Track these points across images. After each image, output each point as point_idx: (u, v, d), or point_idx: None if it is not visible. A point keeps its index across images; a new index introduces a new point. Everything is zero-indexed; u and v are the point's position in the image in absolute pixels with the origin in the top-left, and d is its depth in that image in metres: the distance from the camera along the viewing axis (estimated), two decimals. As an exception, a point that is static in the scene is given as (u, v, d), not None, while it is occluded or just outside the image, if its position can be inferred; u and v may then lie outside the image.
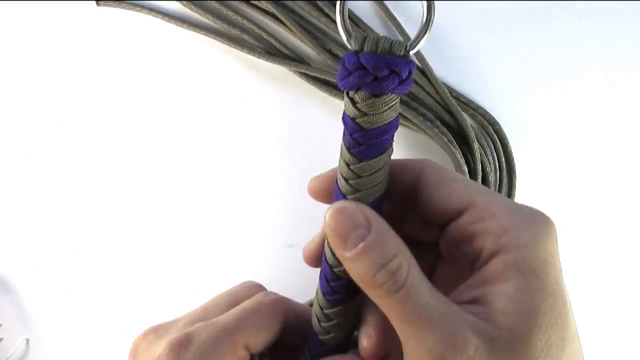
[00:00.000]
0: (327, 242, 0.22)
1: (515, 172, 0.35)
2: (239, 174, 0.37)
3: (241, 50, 0.35)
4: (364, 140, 0.20)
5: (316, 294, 0.23)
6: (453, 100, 0.34)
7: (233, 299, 0.25)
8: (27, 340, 0.36)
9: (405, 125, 0.35)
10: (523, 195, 0.36)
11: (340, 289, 0.22)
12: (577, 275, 0.36)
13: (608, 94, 0.35)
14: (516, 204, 0.22)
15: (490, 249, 0.20)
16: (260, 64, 0.35)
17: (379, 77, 0.20)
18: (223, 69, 0.36)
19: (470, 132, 0.34)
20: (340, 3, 0.21)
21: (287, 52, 0.35)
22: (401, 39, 0.35)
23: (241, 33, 0.35)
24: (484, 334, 0.18)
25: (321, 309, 0.23)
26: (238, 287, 0.26)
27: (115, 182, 0.37)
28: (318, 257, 0.24)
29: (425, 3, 0.21)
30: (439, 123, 0.34)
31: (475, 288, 0.20)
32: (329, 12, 0.34)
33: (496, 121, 0.35)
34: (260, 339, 0.23)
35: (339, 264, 0.21)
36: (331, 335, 0.23)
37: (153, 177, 0.37)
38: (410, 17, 0.35)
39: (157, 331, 0.24)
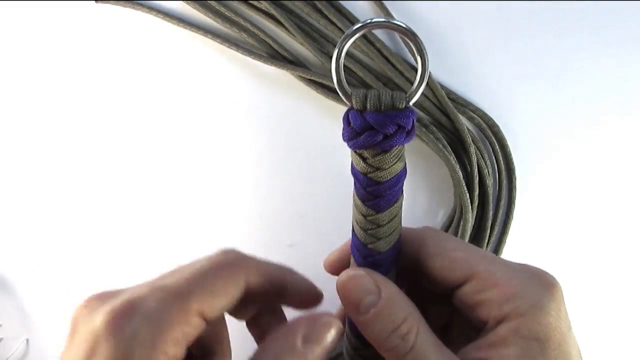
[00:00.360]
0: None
1: (515, 174, 0.35)
2: (238, 175, 0.37)
3: (239, 52, 0.35)
4: (379, 193, 0.21)
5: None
6: (450, 103, 0.34)
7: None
8: (27, 340, 0.36)
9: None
10: (523, 197, 0.35)
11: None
12: (575, 275, 0.36)
13: (608, 94, 0.34)
14: (518, 267, 0.22)
15: (495, 317, 0.21)
16: (258, 65, 0.35)
17: (388, 134, 0.20)
18: (221, 70, 0.36)
19: (467, 135, 0.34)
20: (336, 61, 0.21)
21: (285, 54, 0.35)
22: (399, 39, 0.35)
23: (240, 34, 0.35)
24: None
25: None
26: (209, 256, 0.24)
27: (115, 182, 0.37)
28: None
29: (419, 59, 0.21)
30: (433, 128, 0.34)
31: (482, 350, 0.21)
32: (327, 14, 0.34)
33: (495, 123, 0.35)
34: (216, 305, 0.21)
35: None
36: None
37: (152, 178, 0.37)
38: (409, 18, 0.34)
39: (100, 298, 0.21)
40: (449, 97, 0.34)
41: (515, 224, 0.36)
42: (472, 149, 0.34)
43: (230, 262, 0.22)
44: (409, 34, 0.21)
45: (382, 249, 0.22)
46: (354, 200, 0.22)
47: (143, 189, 0.37)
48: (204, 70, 0.36)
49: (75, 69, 0.36)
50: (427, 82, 0.34)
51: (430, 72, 0.34)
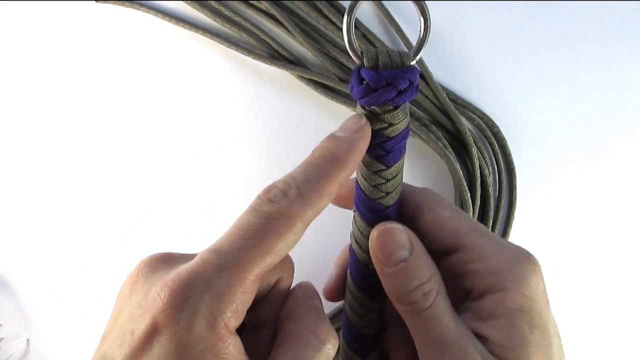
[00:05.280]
0: (357, 241, 0.24)
1: (515, 174, 0.35)
2: (238, 175, 0.37)
3: (239, 52, 0.35)
4: (392, 147, 0.22)
5: (350, 293, 0.25)
6: (451, 104, 0.34)
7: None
8: (28, 340, 0.36)
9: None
10: (524, 196, 0.35)
11: (378, 285, 0.23)
12: (575, 276, 0.36)
13: (607, 94, 0.34)
14: (504, 244, 0.23)
15: (480, 288, 0.22)
16: (258, 65, 0.35)
17: (402, 89, 0.21)
18: (221, 70, 0.36)
19: (468, 136, 0.34)
20: (347, 19, 0.21)
21: (285, 54, 0.35)
22: (399, 39, 0.35)
23: (239, 33, 0.35)
24: None
25: (361, 305, 0.25)
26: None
27: (115, 181, 0.37)
28: (338, 294, 0.26)
29: (422, 19, 0.22)
30: (434, 128, 0.34)
31: (474, 321, 0.22)
32: (327, 14, 0.34)
33: (495, 124, 0.35)
34: (271, 264, 0.20)
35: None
36: (372, 326, 0.25)
37: (153, 177, 0.37)
38: (409, 18, 0.34)
39: (159, 262, 0.21)
40: (449, 98, 0.34)
41: (516, 224, 0.36)
42: (474, 149, 0.34)
43: (280, 213, 0.20)
44: None
45: (388, 203, 0.23)
46: (363, 161, 0.23)
47: (143, 189, 0.37)
48: (204, 70, 0.36)
49: (76, 68, 0.36)
50: (428, 83, 0.34)
51: (431, 73, 0.34)
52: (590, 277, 0.36)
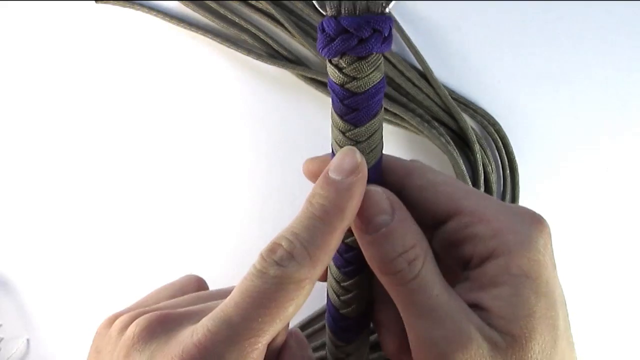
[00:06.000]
0: None
1: (517, 171, 0.35)
2: (238, 175, 0.36)
3: (239, 51, 0.35)
4: (357, 105, 0.20)
5: (330, 271, 0.23)
6: (453, 102, 0.34)
7: (178, 288, 0.24)
8: (28, 340, 0.36)
9: (403, 127, 0.34)
10: (527, 193, 0.35)
11: (354, 260, 0.22)
12: (578, 273, 0.36)
13: (609, 92, 0.34)
14: (506, 205, 0.21)
15: (481, 253, 0.20)
16: (258, 65, 0.35)
17: (363, 38, 0.19)
18: (220, 70, 0.36)
19: (471, 134, 0.34)
20: None
21: (285, 53, 0.35)
22: (399, 38, 0.34)
23: (239, 33, 0.35)
24: (487, 336, 0.19)
25: (338, 283, 0.23)
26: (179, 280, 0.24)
27: (115, 182, 0.37)
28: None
29: None
30: (436, 124, 0.34)
31: (473, 291, 0.20)
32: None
33: (496, 121, 0.34)
34: (280, 329, 0.19)
35: (350, 234, 0.22)
36: (352, 307, 0.23)
37: (152, 177, 0.37)
38: (410, 18, 0.34)
39: (157, 328, 0.20)
40: (451, 97, 0.34)
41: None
42: (477, 147, 0.33)
43: (289, 278, 0.19)
44: None
45: None
46: (332, 119, 0.21)
47: (143, 189, 0.37)
48: (204, 70, 0.36)
49: (76, 69, 0.36)
50: (429, 80, 0.34)
51: (432, 71, 0.34)
52: (593, 273, 0.36)
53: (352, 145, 0.21)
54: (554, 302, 0.19)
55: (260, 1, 0.34)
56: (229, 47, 0.35)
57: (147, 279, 0.37)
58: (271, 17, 0.35)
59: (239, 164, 0.36)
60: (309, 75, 0.34)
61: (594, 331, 0.36)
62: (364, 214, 0.20)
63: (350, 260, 0.22)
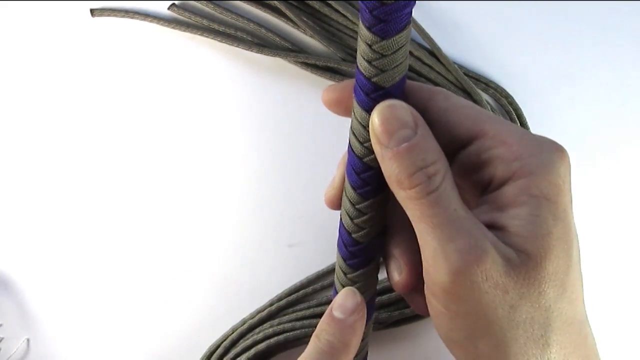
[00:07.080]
0: (353, 132, 0.22)
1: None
2: (238, 174, 0.36)
3: (239, 47, 0.35)
4: (386, 16, 0.20)
5: (345, 192, 0.23)
6: (465, 77, 0.34)
7: None
8: (28, 340, 0.36)
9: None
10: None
11: (371, 180, 0.22)
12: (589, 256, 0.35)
13: (618, 58, 0.34)
14: (529, 132, 0.21)
15: (502, 175, 0.20)
16: (259, 58, 0.35)
17: None
18: (222, 69, 0.36)
19: (485, 106, 0.34)
20: None
21: (284, 43, 0.35)
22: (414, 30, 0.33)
23: (237, 30, 0.35)
24: (502, 252, 0.19)
25: (353, 205, 0.23)
26: None
27: (115, 183, 0.36)
28: (339, 200, 0.24)
29: None
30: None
31: (490, 212, 0.20)
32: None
33: (509, 94, 0.35)
34: None
35: (369, 152, 0.21)
36: (365, 231, 0.23)
37: (152, 179, 0.36)
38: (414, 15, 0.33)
39: None
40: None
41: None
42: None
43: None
44: None
45: (385, 84, 0.21)
46: (359, 33, 0.21)
47: (143, 189, 0.36)
48: (205, 70, 0.36)
49: (75, 84, 0.37)
50: (439, 58, 0.34)
51: (440, 49, 0.34)
52: (596, 268, 0.35)
53: (378, 59, 0.20)
54: (570, 230, 0.20)
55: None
56: (228, 43, 0.35)
57: (147, 278, 0.36)
58: (269, 7, 0.35)
59: (237, 164, 0.36)
60: (310, 62, 0.34)
61: (598, 329, 0.35)
62: (387, 128, 0.20)
63: (368, 180, 0.22)
